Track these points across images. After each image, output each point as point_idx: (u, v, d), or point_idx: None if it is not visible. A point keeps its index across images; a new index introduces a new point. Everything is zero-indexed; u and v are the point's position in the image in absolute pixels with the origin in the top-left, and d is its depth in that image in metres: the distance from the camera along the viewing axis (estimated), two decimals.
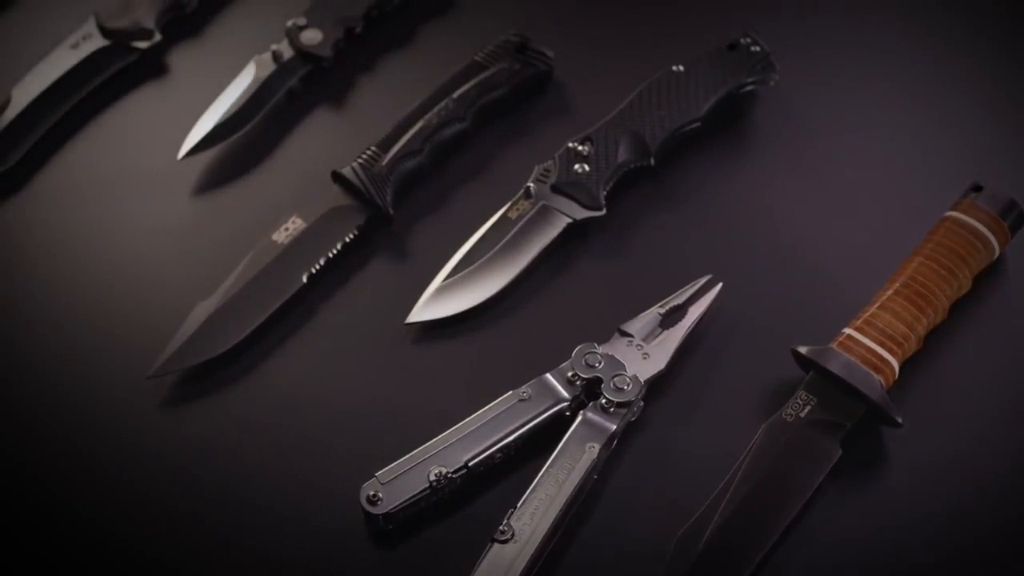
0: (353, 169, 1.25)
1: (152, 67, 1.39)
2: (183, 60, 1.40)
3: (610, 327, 1.17)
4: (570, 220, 1.24)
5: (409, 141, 1.27)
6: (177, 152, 1.30)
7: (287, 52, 1.34)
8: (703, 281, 1.20)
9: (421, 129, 1.27)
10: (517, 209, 1.24)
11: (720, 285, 1.20)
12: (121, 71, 1.37)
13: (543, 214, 1.24)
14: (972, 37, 1.40)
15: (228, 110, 1.31)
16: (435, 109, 1.28)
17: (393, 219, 1.25)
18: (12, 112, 1.32)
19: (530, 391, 1.14)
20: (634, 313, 1.18)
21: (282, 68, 1.34)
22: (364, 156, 1.26)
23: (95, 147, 1.35)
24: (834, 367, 1.13)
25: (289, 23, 1.35)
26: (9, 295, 1.26)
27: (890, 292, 1.17)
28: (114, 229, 1.29)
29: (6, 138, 1.31)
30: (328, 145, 1.33)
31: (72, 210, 1.30)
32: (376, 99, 1.36)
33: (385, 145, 1.27)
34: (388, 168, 1.26)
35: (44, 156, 1.33)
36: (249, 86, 1.32)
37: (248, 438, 1.16)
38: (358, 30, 1.37)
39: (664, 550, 1.07)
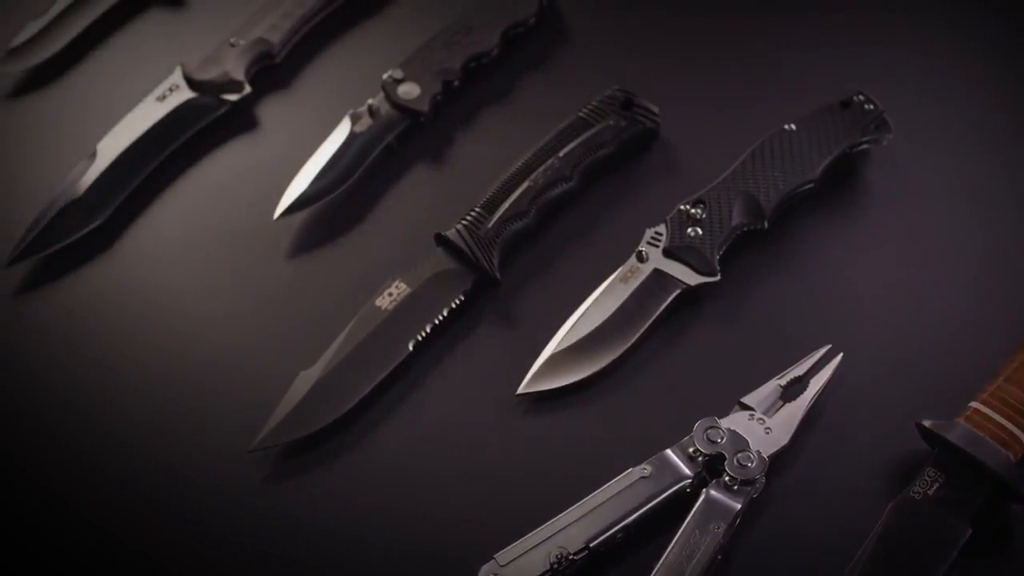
0: (458, 231, 1.24)
1: (242, 120, 1.38)
2: (274, 113, 1.39)
3: (727, 398, 1.16)
4: (684, 286, 1.22)
5: (515, 202, 1.25)
6: (270, 209, 1.29)
7: (383, 106, 1.32)
8: (823, 352, 1.19)
9: (527, 190, 1.26)
10: (629, 274, 1.23)
11: (840, 356, 1.18)
12: (210, 124, 1.36)
13: (656, 280, 1.22)
14: None
15: (324, 168, 1.29)
16: (540, 168, 1.26)
17: (500, 283, 1.24)
18: (99, 167, 1.31)
19: (651, 468, 1.12)
20: (751, 383, 1.16)
21: (379, 123, 1.32)
22: (469, 218, 1.24)
23: (185, 203, 1.33)
24: (961, 443, 1.11)
25: (385, 76, 1.33)
26: (100, 358, 1.24)
27: (1016, 364, 1.16)
28: (208, 290, 1.27)
29: (94, 194, 1.30)
30: (428, 204, 1.31)
31: (163, 269, 1.29)
32: (476, 155, 1.34)
33: (490, 206, 1.25)
34: (494, 231, 1.24)
35: (133, 212, 1.32)
36: (345, 142, 1.30)
37: (355, 514, 1.14)
38: (456, 83, 1.35)
39: None
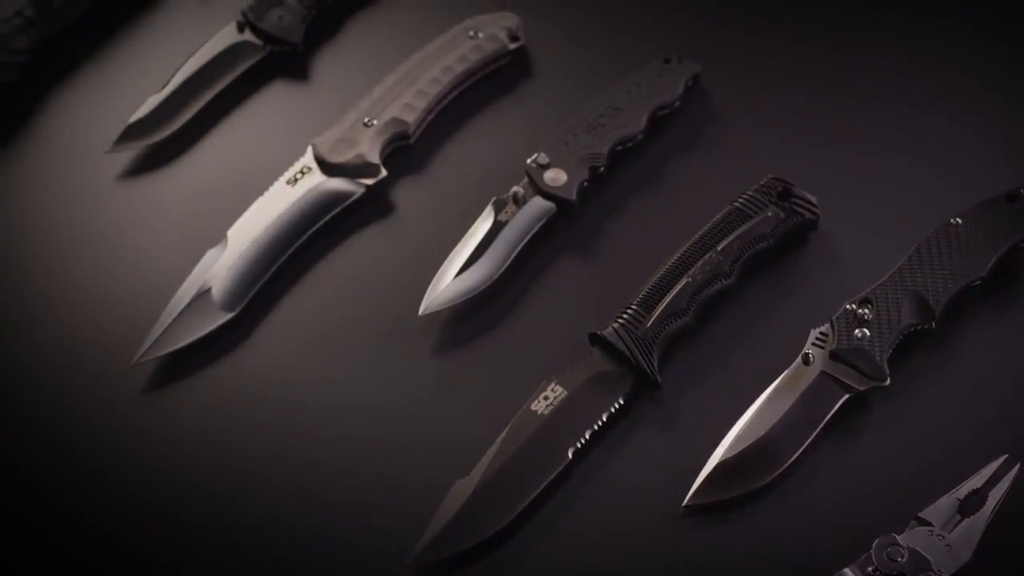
0: (615, 331, 1.21)
1: (377, 205, 1.35)
2: (409, 197, 1.36)
3: (900, 509, 1.13)
4: (853, 391, 1.20)
5: (674, 300, 1.22)
6: (411, 301, 1.26)
7: (529, 194, 1.30)
8: (999, 462, 1.17)
9: (685, 286, 1.23)
10: (794, 378, 1.20)
11: (1017, 466, 1.16)
12: (344, 209, 1.33)
13: (823, 384, 1.20)
14: None
15: (469, 260, 1.27)
16: (698, 263, 1.24)
17: (660, 386, 1.22)
18: (231, 256, 1.29)
19: None
20: (924, 492, 1.13)
21: (525, 212, 1.29)
22: (625, 316, 1.22)
23: (321, 294, 1.31)
24: None
25: (529, 161, 1.31)
26: (235, 459, 1.23)
27: None
28: (348, 389, 1.25)
29: (226, 285, 1.28)
30: (579, 298, 1.29)
31: (300, 365, 1.27)
32: (626, 244, 1.32)
33: (647, 304, 1.23)
34: (653, 330, 1.21)
35: (267, 304, 1.30)
36: (489, 232, 1.28)
37: None
38: (602, 169, 1.33)
39: None
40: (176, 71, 1.43)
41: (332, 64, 1.48)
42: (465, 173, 1.38)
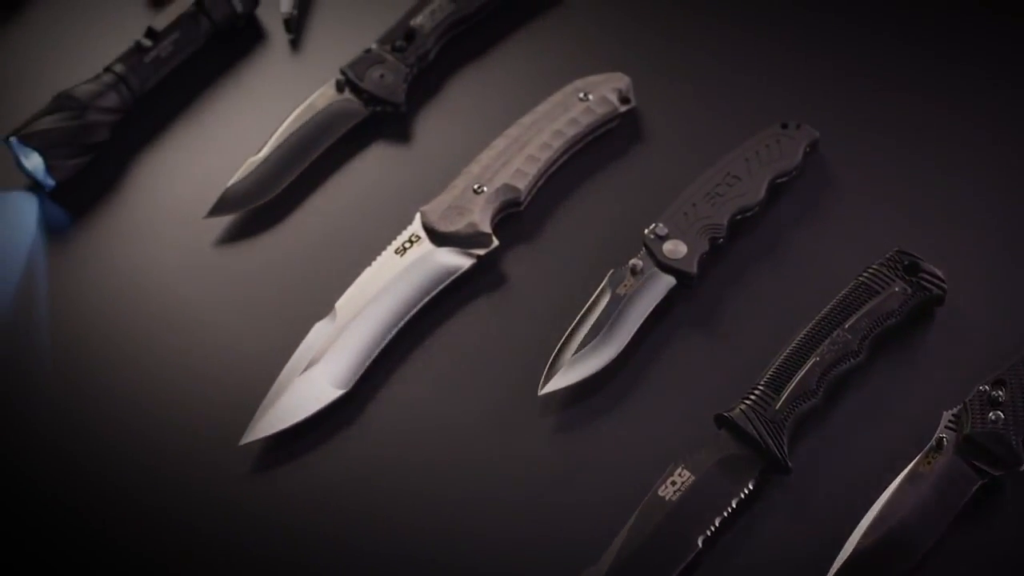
0: (743, 412, 1.20)
1: (488, 276, 1.34)
2: (521, 267, 1.35)
3: None
4: (987, 476, 1.19)
5: (803, 380, 1.21)
6: (529, 379, 1.25)
7: (647, 266, 1.29)
8: None
9: (814, 365, 1.22)
10: (927, 463, 1.19)
11: None
12: (456, 280, 1.31)
13: (956, 469, 1.18)
14: None
15: (587, 336, 1.25)
16: (826, 342, 1.23)
17: (791, 470, 1.20)
18: (341, 330, 1.27)
19: None
20: None
21: (643, 285, 1.28)
22: (753, 397, 1.21)
23: (435, 371, 1.29)
24: None
25: (647, 232, 1.30)
26: (348, 541, 1.21)
27: None
28: (465, 470, 1.24)
29: (339, 359, 1.26)
30: (702, 375, 1.27)
31: (414, 445, 1.25)
32: (748, 318, 1.31)
33: (775, 384, 1.21)
34: (783, 412, 1.20)
35: (378, 381, 1.28)
36: (608, 307, 1.27)
37: None
38: (721, 240, 1.32)
39: None
40: (274, 132, 1.41)
41: (434, 124, 1.46)
42: (578, 241, 1.36)
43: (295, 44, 1.53)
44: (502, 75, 1.50)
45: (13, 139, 1.40)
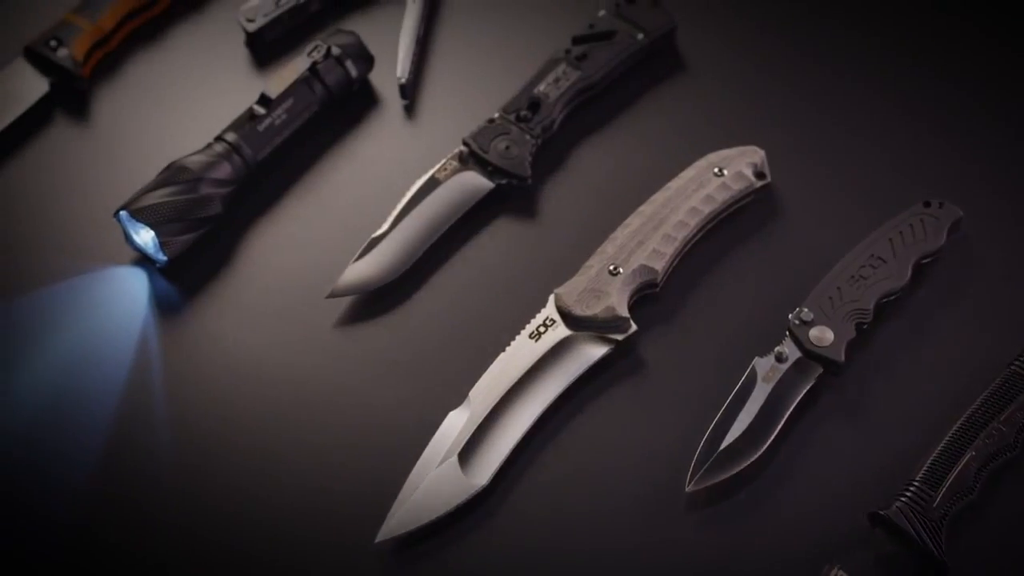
0: (900, 510, 1.19)
1: (627, 361, 1.32)
2: (660, 352, 1.33)
3: None
4: None
5: (960, 475, 1.20)
6: (672, 470, 1.24)
7: (793, 353, 1.28)
8: None
9: (971, 460, 1.21)
10: None
11: None
12: (593, 366, 1.30)
13: None
14: None
15: (736, 430, 1.24)
16: (982, 435, 1.22)
17: (949, 569, 1.19)
18: (477, 420, 1.26)
19: None
20: None
21: (789, 373, 1.26)
22: (909, 494, 1.19)
23: (575, 460, 1.27)
24: None
25: (792, 317, 1.29)
26: None
27: None
28: (614, 568, 1.22)
29: (477, 451, 1.25)
30: (850, 469, 1.25)
31: (557, 542, 1.23)
32: (896, 408, 1.29)
33: (931, 480, 1.20)
34: (940, 509, 1.19)
35: (517, 469, 1.27)
36: (755, 398, 1.25)
37: None
38: (866, 325, 1.30)
39: None
40: (395, 206, 1.40)
41: (560, 196, 1.44)
42: (715, 323, 1.35)
43: (409, 110, 1.52)
44: (628, 145, 1.48)
45: (123, 213, 1.39)
